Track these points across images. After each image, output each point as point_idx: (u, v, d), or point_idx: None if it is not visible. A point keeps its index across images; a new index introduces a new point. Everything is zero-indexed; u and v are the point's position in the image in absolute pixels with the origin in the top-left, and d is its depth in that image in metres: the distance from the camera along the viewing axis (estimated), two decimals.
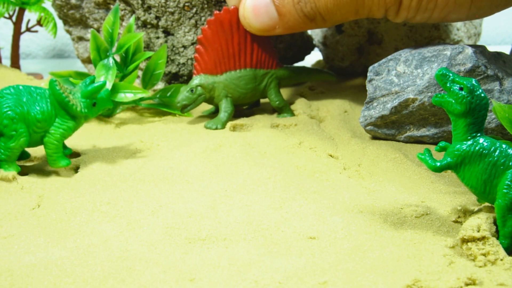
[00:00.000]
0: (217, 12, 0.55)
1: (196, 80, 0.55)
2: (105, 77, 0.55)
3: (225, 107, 0.56)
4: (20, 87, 0.42)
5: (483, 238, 0.31)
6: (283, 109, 0.59)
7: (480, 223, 0.32)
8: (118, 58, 0.61)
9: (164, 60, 0.60)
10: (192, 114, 0.60)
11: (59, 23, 0.86)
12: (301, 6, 0.51)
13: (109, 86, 0.55)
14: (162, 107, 0.60)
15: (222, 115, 0.55)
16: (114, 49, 0.58)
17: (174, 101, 0.58)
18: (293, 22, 0.52)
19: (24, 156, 0.46)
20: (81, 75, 0.60)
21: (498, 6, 0.48)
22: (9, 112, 0.41)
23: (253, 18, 0.53)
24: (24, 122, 0.41)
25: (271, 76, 0.59)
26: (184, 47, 0.66)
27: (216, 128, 0.54)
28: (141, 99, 0.60)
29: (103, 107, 0.45)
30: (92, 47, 0.58)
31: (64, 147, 0.45)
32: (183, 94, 0.55)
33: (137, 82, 0.69)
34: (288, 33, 0.55)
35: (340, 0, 0.49)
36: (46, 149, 0.43)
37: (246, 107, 0.62)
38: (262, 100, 0.63)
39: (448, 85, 0.33)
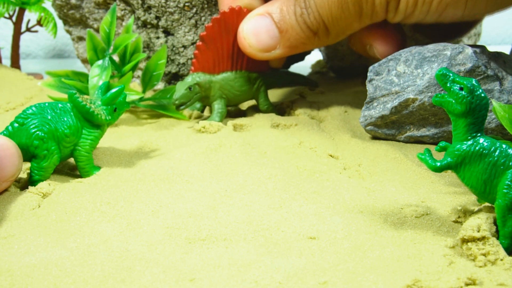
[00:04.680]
0: (224, 10, 0.54)
1: (194, 77, 0.55)
2: (99, 77, 0.55)
3: (218, 108, 0.55)
4: (42, 105, 0.41)
5: (483, 238, 0.31)
6: (271, 113, 0.59)
7: (480, 223, 0.32)
8: (117, 59, 0.61)
9: (164, 61, 0.60)
10: (186, 117, 0.59)
11: (59, 23, 0.86)
12: (304, 18, 0.50)
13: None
14: (160, 109, 0.60)
15: (215, 116, 0.55)
16: (111, 49, 0.58)
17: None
18: (295, 37, 0.52)
19: None
20: (78, 75, 0.60)
21: (494, 6, 0.49)
22: (38, 132, 0.40)
23: (254, 38, 0.53)
24: (54, 140, 0.40)
25: (261, 79, 0.59)
26: (184, 47, 0.66)
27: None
28: (141, 99, 0.60)
29: (122, 111, 0.45)
30: (89, 47, 0.58)
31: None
32: (180, 92, 0.54)
33: (137, 82, 0.69)
34: (288, 54, 0.54)
35: (344, 1, 0.48)
36: (78, 163, 0.43)
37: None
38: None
39: (448, 85, 0.33)
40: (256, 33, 0.53)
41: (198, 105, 0.60)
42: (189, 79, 0.54)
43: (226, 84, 0.56)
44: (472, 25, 0.61)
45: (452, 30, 0.59)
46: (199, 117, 0.60)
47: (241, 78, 0.57)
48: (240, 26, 0.54)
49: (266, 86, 0.60)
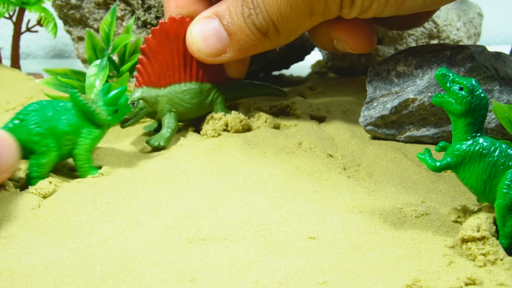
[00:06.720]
0: (162, 20, 0.51)
1: (137, 92, 0.51)
2: (96, 77, 0.55)
3: (168, 122, 0.51)
4: (44, 102, 0.41)
5: (483, 238, 0.31)
6: None
7: (480, 223, 0.32)
8: (117, 59, 0.61)
9: None
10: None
11: (59, 23, 0.86)
12: (253, 19, 0.48)
13: (98, 86, 0.54)
14: None
15: (165, 131, 0.51)
16: (110, 49, 0.59)
17: None
18: (245, 40, 0.49)
19: None
20: (77, 74, 0.60)
21: None
22: (37, 129, 0.40)
23: (202, 42, 0.50)
24: (54, 137, 0.41)
25: (217, 91, 0.54)
26: None
27: (159, 145, 0.49)
28: None
29: (124, 113, 0.45)
30: (88, 46, 0.58)
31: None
32: None
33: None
34: (239, 57, 0.51)
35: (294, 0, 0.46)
36: (76, 161, 0.43)
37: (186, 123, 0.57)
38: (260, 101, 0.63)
39: (448, 85, 0.33)
40: (204, 37, 0.50)
41: (155, 124, 0.56)
42: (133, 95, 0.51)
43: (175, 97, 0.52)
44: (431, 13, 0.56)
45: (411, 19, 0.55)
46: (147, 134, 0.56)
47: (192, 90, 0.53)
48: (188, 30, 0.51)
49: (224, 98, 0.55)
